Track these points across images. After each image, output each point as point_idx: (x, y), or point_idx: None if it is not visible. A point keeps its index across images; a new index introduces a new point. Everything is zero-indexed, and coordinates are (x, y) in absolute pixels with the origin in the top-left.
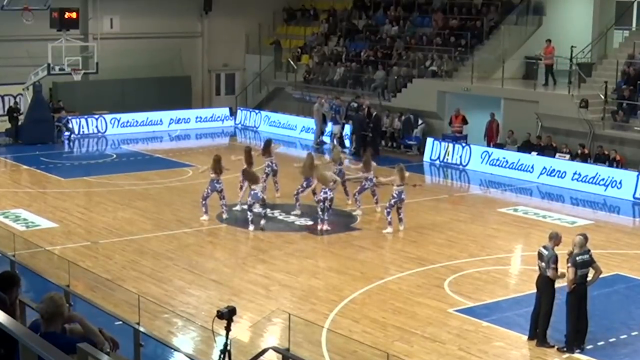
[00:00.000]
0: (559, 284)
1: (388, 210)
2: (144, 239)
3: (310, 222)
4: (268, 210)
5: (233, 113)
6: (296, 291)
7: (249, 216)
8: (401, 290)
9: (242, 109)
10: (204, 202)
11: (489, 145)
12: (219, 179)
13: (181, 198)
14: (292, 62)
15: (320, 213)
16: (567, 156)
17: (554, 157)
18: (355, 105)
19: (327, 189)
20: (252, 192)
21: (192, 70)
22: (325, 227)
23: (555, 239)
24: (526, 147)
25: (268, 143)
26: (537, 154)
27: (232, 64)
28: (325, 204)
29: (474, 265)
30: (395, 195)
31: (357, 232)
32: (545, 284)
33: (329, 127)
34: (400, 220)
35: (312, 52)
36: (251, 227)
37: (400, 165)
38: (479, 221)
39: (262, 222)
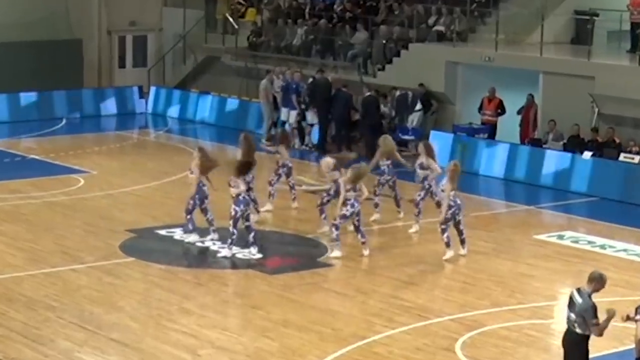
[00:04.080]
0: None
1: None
2: (13, 279)
3: (259, 255)
4: (252, 236)
5: (144, 94)
6: (237, 356)
7: (250, 237)
8: (392, 356)
9: (157, 87)
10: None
11: (522, 142)
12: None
13: (68, 219)
14: (231, 20)
15: (335, 235)
16: (638, 157)
17: (617, 159)
18: (320, 80)
19: (354, 200)
20: (239, 197)
21: (84, 31)
22: (367, 251)
23: (598, 282)
24: (575, 144)
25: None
26: (593, 155)
27: (143, 21)
28: (355, 220)
29: (499, 318)
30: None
31: (327, 268)
32: (575, 344)
33: (283, 114)
34: (462, 241)
35: (260, 4)
36: (253, 250)
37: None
38: (507, 253)
39: (252, 249)
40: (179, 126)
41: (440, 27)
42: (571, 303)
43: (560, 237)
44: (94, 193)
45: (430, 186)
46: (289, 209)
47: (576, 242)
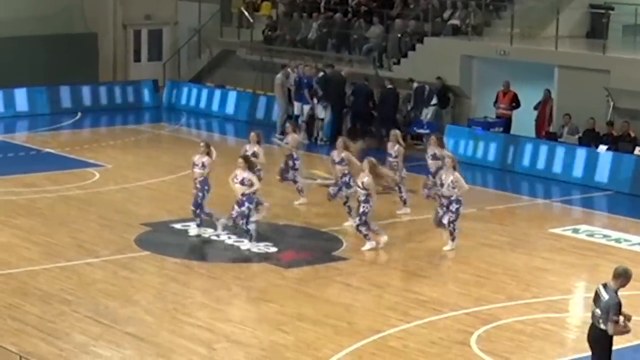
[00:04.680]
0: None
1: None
2: (28, 273)
3: (274, 249)
4: (252, 227)
5: (159, 88)
6: (252, 350)
7: (250, 231)
8: (407, 350)
9: (172, 81)
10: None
11: (538, 136)
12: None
13: (83, 213)
14: (246, 13)
15: (363, 229)
16: None
17: (632, 152)
18: (329, 74)
19: (369, 197)
20: (251, 195)
21: (99, 24)
22: (378, 241)
23: (623, 278)
24: (591, 138)
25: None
26: (608, 149)
27: (158, 15)
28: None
29: (514, 311)
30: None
31: (343, 262)
32: (598, 340)
33: (296, 108)
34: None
35: None
36: (247, 241)
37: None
38: (522, 247)
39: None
40: (194, 120)
41: (455, 21)
42: (597, 299)
43: (576, 231)
44: (109, 187)
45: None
46: (307, 204)
47: (591, 235)
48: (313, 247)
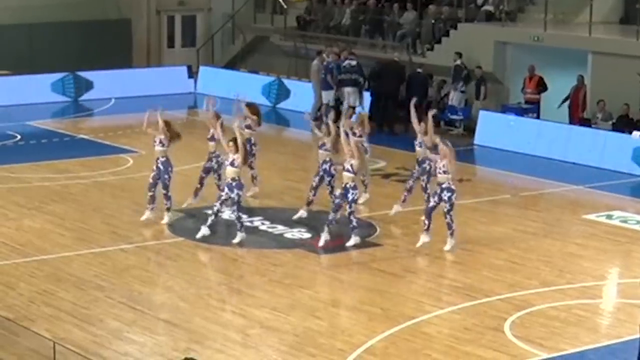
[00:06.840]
0: None
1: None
2: (62, 259)
3: (308, 235)
4: (244, 217)
5: (193, 73)
6: (286, 336)
7: (237, 227)
8: (441, 336)
9: (206, 66)
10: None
11: (572, 122)
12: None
13: (117, 199)
14: (280, 0)
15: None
16: None
17: None
18: (354, 63)
19: (355, 186)
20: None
21: (133, 10)
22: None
23: None
24: (625, 124)
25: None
26: None
27: (192, 1)
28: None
29: (548, 298)
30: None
31: (376, 248)
32: None
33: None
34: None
35: None
36: (204, 230)
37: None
38: (556, 233)
39: (238, 237)
40: (227, 106)
41: (489, 7)
42: None
43: (609, 217)
44: (143, 173)
45: (431, 167)
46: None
47: (625, 222)
48: (347, 233)
